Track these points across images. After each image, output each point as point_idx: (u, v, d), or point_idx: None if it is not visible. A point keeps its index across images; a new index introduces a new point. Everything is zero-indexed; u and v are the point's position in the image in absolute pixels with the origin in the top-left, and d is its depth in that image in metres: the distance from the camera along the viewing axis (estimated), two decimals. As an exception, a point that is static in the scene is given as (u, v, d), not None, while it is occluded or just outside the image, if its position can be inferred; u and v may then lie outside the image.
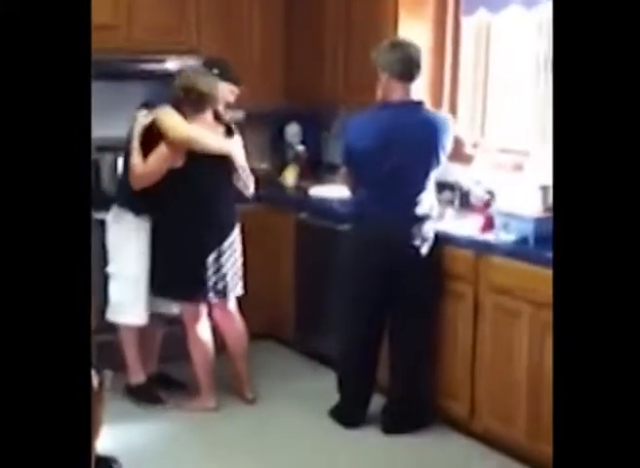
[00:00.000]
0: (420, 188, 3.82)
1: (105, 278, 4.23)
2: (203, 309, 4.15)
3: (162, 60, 4.72)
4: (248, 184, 4.15)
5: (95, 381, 2.57)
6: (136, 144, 3.95)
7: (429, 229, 3.84)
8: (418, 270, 3.82)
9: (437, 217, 4.00)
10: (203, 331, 4.15)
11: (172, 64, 4.70)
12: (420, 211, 3.82)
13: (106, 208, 4.27)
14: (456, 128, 4.07)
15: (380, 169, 3.81)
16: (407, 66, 3.76)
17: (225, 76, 4.11)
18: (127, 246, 4.12)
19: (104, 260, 4.23)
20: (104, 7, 4.63)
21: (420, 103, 3.84)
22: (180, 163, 3.91)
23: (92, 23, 4.76)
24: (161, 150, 3.89)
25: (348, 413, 4.08)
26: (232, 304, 4.24)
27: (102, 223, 4.22)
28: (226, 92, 4.15)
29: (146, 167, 3.92)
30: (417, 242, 3.79)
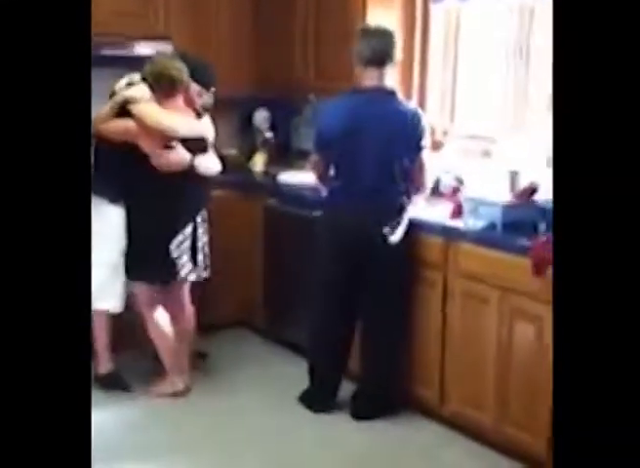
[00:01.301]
0: (386, 177, 3.80)
1: None
2: (161, 293, 4.17)
3: (130, 46, 4.67)
4: (217, 162, 4.21)
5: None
6: (109, 105, 3.95)
7: (400, 218, 3.82)
8: (386, 257, 3.82)
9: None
10: (161, 314, 4.17)
11: (140, 50, 4.66)
12: (387, 199, 3.82)
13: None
14: (425, 115, 4.07)
15: (347, 155, 3.82)
16: (374, 52, 3.75)
17: (194, 77, 4.07)
18: (102, 233, 4.08)
19: None
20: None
21: (390, 92, 3.83)
22: (151, 146, 3.91)
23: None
24: (128, 123, 3.89)
25: (318, 399, 4.10)
26: (186, 289, 4.24)
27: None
28: (194, 91, 4.11)
29: (109, 126, 3.92)
30: (385, 230, 3.78)
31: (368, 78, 3.79)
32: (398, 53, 3.82)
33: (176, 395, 4.21)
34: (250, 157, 5.33)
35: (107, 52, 4.58)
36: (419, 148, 3.82)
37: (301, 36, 4.91)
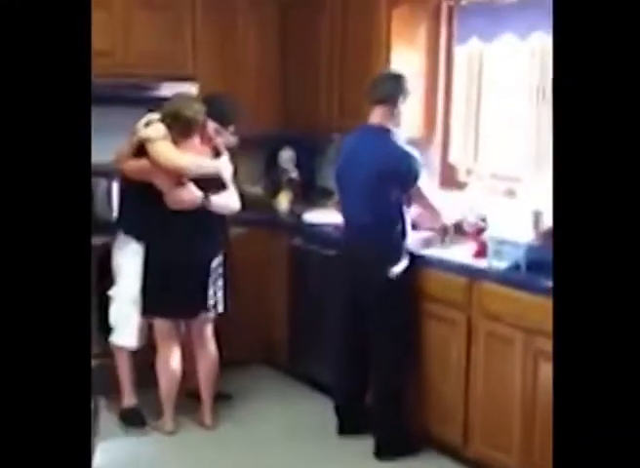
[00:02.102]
0: (378, 214, 3.85)
1: (103, 301, 4.33)
2: (179, 331, 4.21)
3: (157, 87, 4.75)
4: (235, 201, 4.21)
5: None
6: (129, 143, 4.05)
7: (397, 254, 3.86)
8: (389, 294, 3.85)
9: (426, 243, 4.06)
10: (174, 353, 4.18)
11: (167, 90, 4.72)
12: (381, 236, 3.85)
13: (100, 231, 4.29)
14: (449, 155, 4.10)
15: (343, 193, 4.00)
16: (375, 90, 3.90)
17: (213, 115, 4.12)
18: (126, 269, 4.22)
19: (99, 284, 4.33)
20: (100, 32, 4.64)
21: (381, 129, 3.88)
22: (164, 184, 3.97)
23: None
24: (143, 162, 3.97)
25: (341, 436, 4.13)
26: (210, 327, 4.26)
27: (97, 247, 4.27)
28: (211, 129, 4.16)
29: (128, 165, 4.05)
30: (386, 267, 3.82)
31: (372, 116, 3.90)
32: (402, 94, 3.88)
33: (166, 435, 4.23)
34: (275, 196, 5.36)
35: (134, 92, 4.66)
36: (409, 185, 3.85)
37: (327, 77, 4.97)
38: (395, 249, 3.86)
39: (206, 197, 4.03)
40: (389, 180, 3.82)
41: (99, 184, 4.69)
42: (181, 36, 4.94)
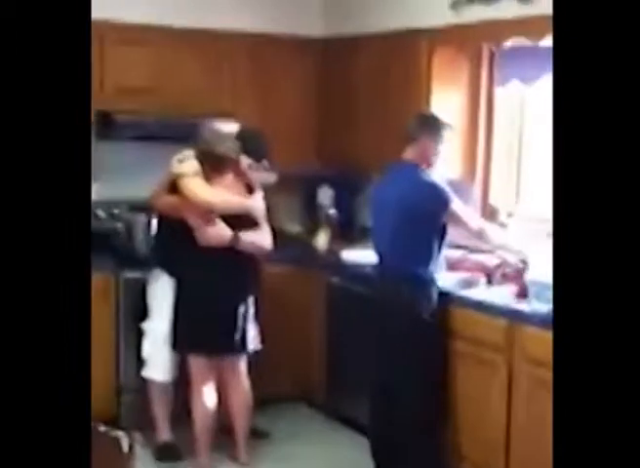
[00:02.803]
0: (409, 252, 3.84)
1: (139, 335, 4.35)
2: (214, 367, 4.19)
3: (196, 123, 4.77)
4: (266, 239, 4.17)
5: (124, 444, 2.55)
6: (162, 181, 4.10)
7: (429, 293, 3.83)
8: (418, 334, 3.82)
9: (466, 284, 4.01)
10: (209, 390, 4.16)
11: (214, 127, 4.74)
12: (409, 273, 3.83)
13: (139, 267, 4.31)
14: (489, 196, 4.08)
15: (377, 231, 4.04)
16: (407, 129, 3.94)
17: (246, 149, 4.12)
18: (159, 303, 4.24)
19: (137, 318, 4.37)
20: (142, 69, 4.73)
21: (409, 165, 3.90)
22: (195, 220, 3.98)
23: (130, 87, 4.88)
24: (174, 199, 4.01)
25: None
26: (243, 363, 4.23)
27: (137, 282, 4.30)
28: (244, 165, 4.15)
29: (162, 201, 4.10)
30: (415, 306, 3.80)
31: (403, 154, 3.94)
32: (431, 133, 3.88)
33: None
34: (313, 234, 5.36)
35: (177, 129, 4.70)
36: (438, 216, 3.82)
37: (366, 117, 4.98)
38: (426, 288, 3.83)
39: (235, 235, 4.01)
40: (416, 216, 3.81)
41: (138, 220, 4.73)
42: (221, 74, 5.00)
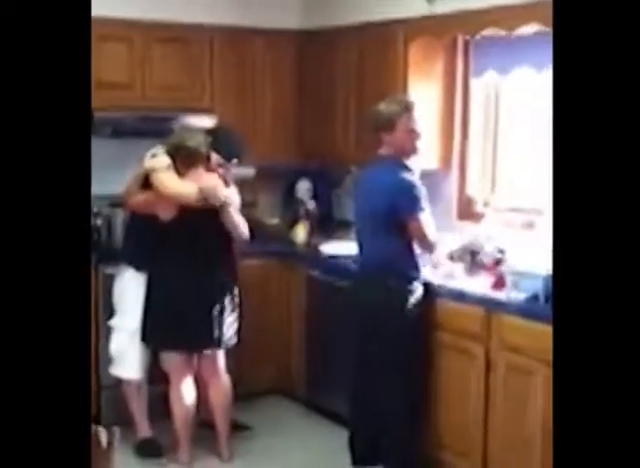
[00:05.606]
0: (389, 245, 3.85)
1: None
2: (191, 363, 4.19)
3: (175, 119, 4.78)
4: (242, 228, 4.14)
5: (103, 439, 2.55)
6: (137, 174, 4.10)
7: (411, 285, 3.85)
8: (400, 325, 3.83)
9: (447, 275, 4.03)
10: (187, 386, 4.17)
11: (185, 122, 4.76)
12: (396, 267, 3.85)
13: (119, 263, 4.31)
14: (466, 187, 4.10)
15: (359, 224, 4.05)
16: (379, 120, 3.91)
17: (215, 147, 4.11)
18: (127, 300, 4.23)
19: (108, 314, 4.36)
20: (120, 65, 4.72)
21: (389, 160, 3.88)
22: (168, 215, 3.99)
23: (108, 82, 4.85)
24: (147, 195, 4.03)
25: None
26: (221, 358, 4.23)
27: (108, 277, 4.32)
28: (214, 161, 4.14)
29: (136, 199, 4.10)
30: (397, 298, 3.82)
31: (381, 147, 3.92)
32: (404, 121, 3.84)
33: (183, 466, 4.22)
34: (292, 227, 5.37)
35: (153, 125, 4.70)
36: (409, 214, 3.80)
37: (343, 110, 5.00)
38: (407, 280, 3.85)
39: (226, 201, 4.00)
40: (391, 211, 3.81)
41: (117, 215, 4.72)
42: (199, 69, 4.98)
